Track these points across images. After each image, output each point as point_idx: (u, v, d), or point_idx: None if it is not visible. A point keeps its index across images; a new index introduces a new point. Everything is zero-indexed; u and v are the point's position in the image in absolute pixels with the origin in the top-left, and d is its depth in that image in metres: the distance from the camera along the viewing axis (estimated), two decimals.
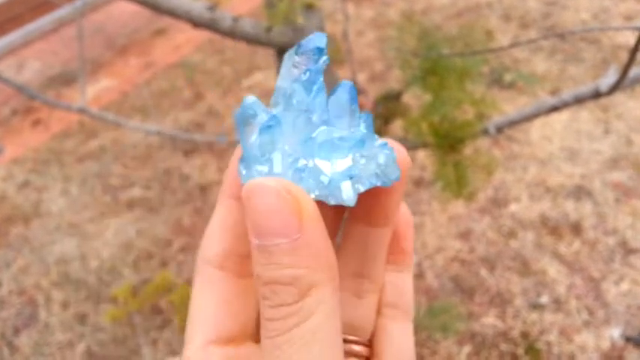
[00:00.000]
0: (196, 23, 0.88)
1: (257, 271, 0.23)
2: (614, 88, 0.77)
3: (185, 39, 3.26)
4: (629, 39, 2.46)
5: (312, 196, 0.24)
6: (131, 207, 2.17)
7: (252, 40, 0.92)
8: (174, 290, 1.67)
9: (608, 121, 2.08)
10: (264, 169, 0.24)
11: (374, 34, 2.91)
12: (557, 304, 1.53)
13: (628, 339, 1.42)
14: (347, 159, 0.24)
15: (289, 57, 0.25)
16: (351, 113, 0.25)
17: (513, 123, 0.99)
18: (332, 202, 0.24)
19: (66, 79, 3.08)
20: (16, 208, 2.27)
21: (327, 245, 0.23)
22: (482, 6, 2.95)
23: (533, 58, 2.47)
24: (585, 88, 0.86)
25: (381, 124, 1.10)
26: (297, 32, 0.91)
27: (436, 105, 0.94)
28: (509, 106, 2.20)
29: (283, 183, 0.22)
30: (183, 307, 1.60)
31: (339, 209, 0.28)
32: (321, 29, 0.95)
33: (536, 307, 1.53)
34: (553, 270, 1.61)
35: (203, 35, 2.99)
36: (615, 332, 1.44)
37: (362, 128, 0.25)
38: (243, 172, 0.24)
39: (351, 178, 0.24)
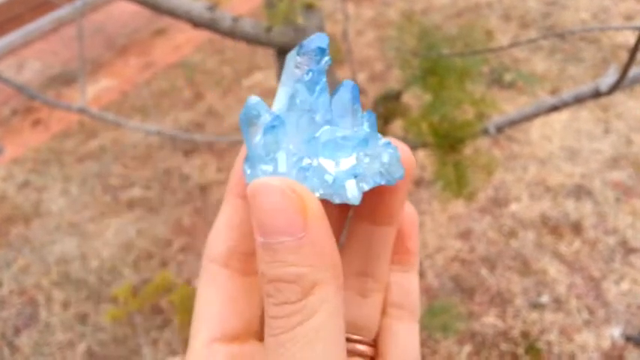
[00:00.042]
0: (196, 23, 0.88)
1: (261, 268, 0.23)
2: (614, 87, 0.77)
3: (185, 39, 3.26)
4: (629, 38, 2.46)
5: (317, 194, 0.24)
6: (131, 207, 2.17)
7: (252, 40, 0.92)
8: (174, 290, 1.67)
9: (608, 121, 2.08)
10: (269, 168, 0.24)
11: (374, 34, 2.91)
12: (558, 303, 1.53)
13: (628, 338, 1.42)
14: (351, 158, 0.24)
15: (291, 58, 0.25)
16: (353, 113, 0.25)
17: (513, 123, 0.99)
18: (337, 200, 0.24)
19: (66, 79, 3.08)
20: (17, 208, 2.27)
21: (332, 244, 0.23)
22: (482, 6, 2.95)
23: (533, 58, 2.47)
24: (585, 87, 0.86)
25: (381, 124, 1.10)
26: (297, 32, 0.91)
27: (436, 105, 0.94)
28: (509, 105, 2.20)
29: (288, 182, 0.22)
30: (183, 307, 1.60)
31: (344, 208, 0.28)
32: (321, 29, 0.95)
33: (537, 306, 1.54)
34: (553, 269, 1.61)
35: (203, 35, 2.99)
36: (616, 331, 1.44)
37: (365, 127, 0.25)
38: (248, 171, 0.25)
39: (355, 176, 0.24)
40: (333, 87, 0.26)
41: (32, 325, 1.77)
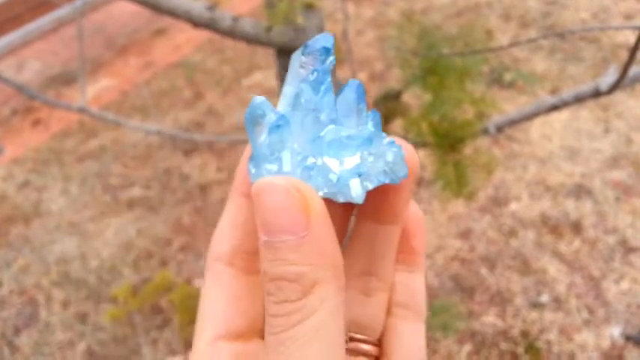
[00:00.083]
0: (196, 23, 0.88)
1: (264, 267, 0.23)
2: (614, 87, 0.77)
3: (185, 39, 3.25)
4: (629, 38, 2.46)
5: (321, 193, 0.24)
6: (131, 206, 2.17)
7: (252, 40, 0.92)
8: (174, 290, 1.67)
9: (608, 120, 2.08)
10: (274, 167, 0.24)
11: (374, 34, 2.91)
12: (558, 302, 1.53)
13: (628, 338, 1.42)
14: (355, 157, 0.24)
15: (296, 57, 0.25)
16: (358, 112, 0.25)
17: (513, 122, 0.99)
18: (340, 199, 0.24)
19: (66, 79, 3.08)
20: (17, 207, 2.27)
21: (333, 244, 0.23)
22: (482, 5, 2.95)
23: (533, 58, 2.47)
24: (585, 87, 0.86)
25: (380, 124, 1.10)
26: (297, 32, 0.91)
27: (436, 104, 0.94)
28: (509, 105, 2.20)
29: (292, 181, 0.22)
30: (183, 306, 1.60)
31: (348, 207, 0.28)
32: (321, 29, 0.95)
33: (537, 305, 1.54)
34: (553, 269, 1.61)
35: (203, 35, 2.99)
36: (615, 331, 1.44)
37: (370, 126, 0.25)
38: (253, 170, 0.25)
39: (359, 175, 0.24)
40: (334, 86, 0.26)
41: (32, 325, 1.77)
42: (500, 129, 0.99)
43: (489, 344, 1.47)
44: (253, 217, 0.25)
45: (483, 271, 1.65)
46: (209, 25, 0.88)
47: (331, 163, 0.24)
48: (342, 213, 0.28)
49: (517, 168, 1.95)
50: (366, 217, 0.28)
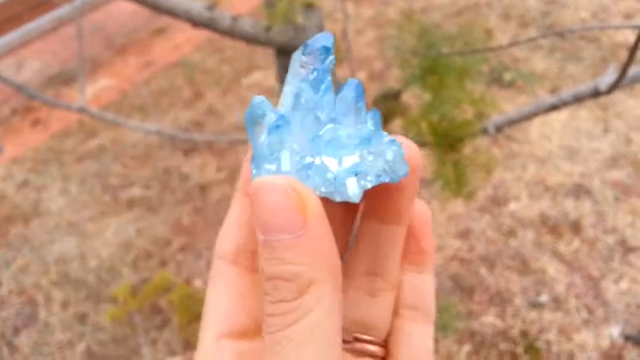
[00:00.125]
0: (195, 23, 0.88)
1: (261, 266, 0.23)
2: (614, 87, 0.77)
3: (185, 38, 3.25)
4: (629, 37, 2.46)
5: (319, 193, 0.24)
6: (131, 206, 2.17)
7: (251, 40, 0.92)
8: (173, 290, 1.67)
9: (607, 120, 2.08)
10: (273, 167, 0.24)
11: (373, 33, 2.91)
12: (557, 302, 1.53)
13: (627, 337, 1.42)
14: (354, 156, 0.24)
15: (296, 57, 0.25)
16: (357, 111, 0.25)
17: (513, 122, 0.99)
18: (338, 198, 0.24)
19: (65, 79, 3.08)
20: (16, 207, 2.26)
21: (330, 244, 0.23)
22: (481, 5, 2.95)
23: (533, 57, 2.47)
24: (585, 86, 0.86)
25: None
26: (297, 31, 0.91)
27: (435, 104, 0.94)
28: (509, 105, 2.20)
29: (289, 180, 0.23)
30: (182, 306, 1.60)
31: (353, 207, 0.28)
32: (321, 28, 0.95)
33: (536, 305, 1.54)
34: (552, 269, 1.61)
35: (203, 34, 2.99)
36: (615, 331, 1.44)
37: (369, 125, 0.25)
38: (254, 170, 0.25)
39: (356, 174, 0.24)
40: (334, 86, 0.26)
41: (31, 325, 1.77)
42: (499, 129, 0.99)
43: (489, 344, 1.47)
44: None
45: (483, 271, 1.65)
46: (208, 24, 0.88)
47: (329, 162, 0.24)
48: (347, 212, 0.28)
49: (516, 168, 1.95)
50: (370, 216, 0.28)
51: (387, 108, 1.10)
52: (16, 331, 1.76)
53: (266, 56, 2.73)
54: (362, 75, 2.56)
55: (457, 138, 0.95)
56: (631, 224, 1.70)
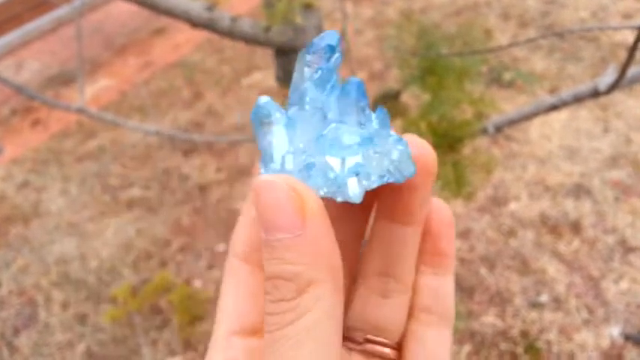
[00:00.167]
0: (195, 23, 0.88)
1: (264, 265, 0.23)
2: (613, 87, 0.77)
3: (184, 38, 3.25)
4: (628, 37, 2.46)
5: (322, 193, 0.24)
6: (130, 207, 2.17)
7: (250, 40, 0.92)
8: (173, 290, 1.68)
9: (607, 120, 2.08)
10: (277, 166, 0.24)
11: (373, 33, 2.91)
12: (557, 302, 1.53)
13: (627, 337, 1.42)
14: (357, 156, 0.24)
15: (302, 57, 0.25)
16: (359, 110, 0.25)
17: (512, 122, 0.99)
18: (339, 199, 0.24)
19: (65, 79, 3.08)
20: (16, 208, 2.26)
21: (331, 244, 0.23)
22: (481, 4, 2.95)
23: (532, 57, 2.47)
24: (584, 87, 0.86)
25: None
26: (296, 32, 0.91)
27: (435, 104, 0.94)
28: (508, 105, 2.20)
29: (288, 180, 0.23)
30: (182, 307, 1.60)
31: (367, 206, 0.28)
32: (320, 29, 0.95)
33: (536, 305, 1.54)
34: (552, 269, 1.61)
35: (202, 35, 2.99)
36: (615, 331, 1.44)
37: (374, 124, 0.25)
38: (262, 169, 0.25)
39: (357, 174, 0.24)
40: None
41: (31, 326, 1.77)
42: (499, 129, 0.99)
43: (489, 344, 1.47)
44: None
45: (483, 271, 1.65)
46: (208, 25, 0.88)
47: (333, 162, 0.24)
48: (360, 212, 0.28)
49: (516, 168, 1.95)
50: (383, 216, 0.27)
51: (387, 108, 1.10)
52: (16, 331, 1.76)
53: (265, 56, 2.73)
54: (361, 75, 2.56)
55: (457, 138, 0.95)
56: (631, 224, 1.70)
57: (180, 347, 1.61)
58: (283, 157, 0.24)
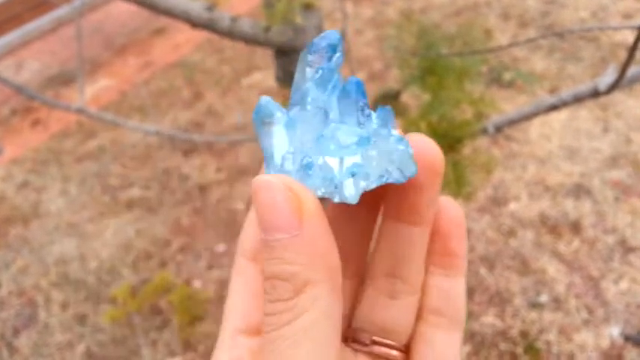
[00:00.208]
0: (195, 23, 0.88)
1: (264, 264, 0.23)
2: (613, 87, 0.77)
3: (184, 38, 3.25)
4: (628, 37, 2.46)
5: (320, 193, 0.24)
6: (130, 207, 2.16)
7: (250, 40, 0.92)
8: (173, 290, 1.67)
9: (607, 120, 2.08)
10: (278, 166, 0.24)
11: (373, 33, 2.91)
12: (557, 303, 1.53)
13: (627, 338, 1.42)
14: (356, 156, 0.24)
15: (303, 56, 0.25)
16: (359, 109, 0.25)
17: (512, 122, 0.99)
18: (336, 199, 0.24)
19: (65, 79, 3.08)
20: (15, 208, 2.26)
21: (328, 244, 0.23)
22: (480, 4, 2.94)
23: (532, 57, 2.47)
24: (584, 87, 0.86)
25: None
26: (296, 32, 0.91)
27: (435, 104, 0.94)
28: (508, 105, 2.20)
29: (286, 180, 0.23)
30: (182, 307, 1.60)
31: (374, 207, 0.28)
32: (320, 29, 0.95)
33: (536, 306, 1.54)
34: (552, 269, 1.61)
35: (202, 35, 2.99)
36: (614, 331, 1.44)
37: (374, 124, 0.25)
38: (265, 169, 0.25)
39: (353, 175, 0.24)
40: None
41: (31, 326, 1.77)
42: (499, 129, 0.99)
43: (489, 345, 1.47)
44: None
45: (482, 271, 1.65)
46: (208, 25, 0.88)
47: (332, 162, 0.24)
48: (368, 212, 0.28)
49: (516, 168, 1.95)
50: (390, 216, 0.27)
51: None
52: (16, 332, 1.76)
53: (265, 56, 2.73)
54: (361, 75, 2.56)
55: (457, 138, 0.95)
56: (631, 224, 1.70)
57: (180, 348, 1.61)
58: (283, 157, 0.24)
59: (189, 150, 2.38)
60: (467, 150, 0.98)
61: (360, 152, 0.24)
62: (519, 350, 1.44)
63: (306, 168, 0.24)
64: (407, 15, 2.93)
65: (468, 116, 0.99)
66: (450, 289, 0.28)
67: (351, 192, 0.24)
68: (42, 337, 1.73)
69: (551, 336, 1.46)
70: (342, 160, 0.24)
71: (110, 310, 1.65)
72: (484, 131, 0.99)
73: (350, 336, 0.28)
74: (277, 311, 0.22)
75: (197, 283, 1.79)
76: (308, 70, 0.25)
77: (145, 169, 2.34)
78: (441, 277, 0.28)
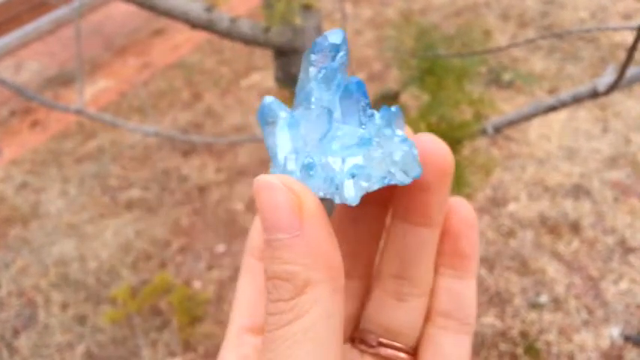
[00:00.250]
0: (194, 24, 0.88)
1: (265, 264, 0.23)
2: (612, 87, 0.77)
3: (183, 39, 3.25)
4: (627, 38, 2.46)
5: (322, 194, 0.24)
6: (130, 208, 2.16)
7: (250, 41, 0.92)
8: (173, 291, 1.67)
9: (606, 120, 2.08)
10: (281, 166, 0.24)
11: (372, 34, 2.91)
12: (557, 303, 1.53)
13: (627, 338, 1.42)
14: (357, 157, 0.24)
15: (307, 56, 0.25)
16: (361, 109, 0.24)
17: (511, 123, 0.99)
18: (337, 200, 0.24)
19: (64, 80, 3.08)
20: (15, 209, 2.26)
21: (329, 244, 0.23)
22: (480, 5, 2.95)
23: (532, 57, 2.48)
24: (583, 87, 0.86)
25: None
26: (295, 33, 0.91)
27: (434, 105, 0.94)
28: (508, 105, 2.20)
29: (286, 180, 0.23)
30: (182, 307, 1.60)
31: (384, 208, 0.27)
32: (319, 29, 0.95)
33: (536, 306, 1.54)
34: (552, 269, 1.61)
35: (201, 35, 2.99)
36: (614, 331, 1.44)
37: (377, 124, 0.24)
38: (270, 169, 0.25)
39: (353, 176, 0.23)
40: None
41: (31, 327, 1.77)
42: (498, 129, 0.99)
43: (489, 345, 1.47)
44: None
45: (482, 271, 1.65)
46: (207, 26, 0.88)
47: (334, 162, 0.24)
48: (377, 213, 0.28)
49: (515, 168, 1.95)
50: (399, 217, 0.27)
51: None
52: (16, 332, 1.76)
53: (265, 57, 2.73)
54: (361, 76, 2.56)
55: (456, 139, 0.95)
56: (630, 224, 1.70)
57: (179, 348, 1.61)
58: (286, 157, 0.24)
59: (189, 151, 2.38)
60: (466, 151, 0.99)
61: (361, 153, 0.23)
62: (519, 351, 1.44)
63: (308, 168, 0.24)
64: (406, 16, 2.93)
65: (467, 117, 0.99)
66: (460, 291, 0.27)
67: (350, 193, 0.23)
68: (42, 338, 1.73)
69: (551, 336, 1.46)
70: (344, 160, 0.24)
71: (110, 311, 1.65)
72: (483, 132, 0.99)
73: (357, 337, 0.28)
74: (278, 311, 0.22)
75: (197, 284, 1.79)
76: (312, 69, 0.24)
77: (145, 169, 2.34)
78: (451, 278, 0.27)
